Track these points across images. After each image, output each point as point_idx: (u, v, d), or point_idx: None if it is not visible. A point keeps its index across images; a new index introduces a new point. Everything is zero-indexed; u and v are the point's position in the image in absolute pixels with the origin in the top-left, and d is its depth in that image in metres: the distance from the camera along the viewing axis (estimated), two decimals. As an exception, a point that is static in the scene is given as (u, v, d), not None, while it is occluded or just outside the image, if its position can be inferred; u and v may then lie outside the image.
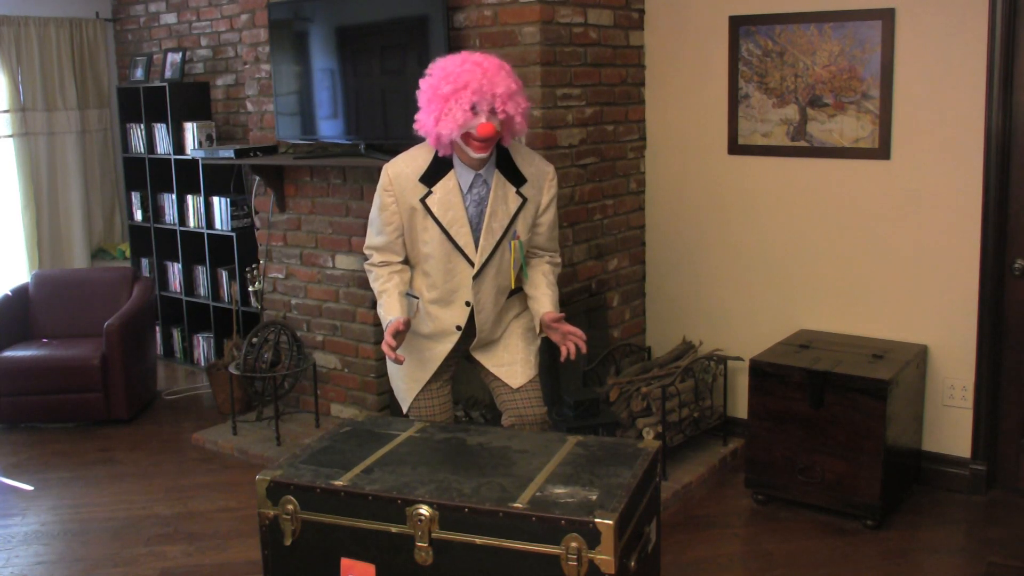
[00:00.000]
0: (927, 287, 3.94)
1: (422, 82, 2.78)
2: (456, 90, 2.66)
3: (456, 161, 2.87)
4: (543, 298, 3.01)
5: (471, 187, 2.88)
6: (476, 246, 2.90)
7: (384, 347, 2.84)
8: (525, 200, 2.91)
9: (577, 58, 4.09)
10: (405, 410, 3.16)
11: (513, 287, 3.03)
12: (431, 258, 2.93)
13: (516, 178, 2.90)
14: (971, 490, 3.92)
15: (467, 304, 2.97)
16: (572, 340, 2.90)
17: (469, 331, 3.02)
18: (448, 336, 3.02)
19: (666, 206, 4.57)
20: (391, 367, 3.14)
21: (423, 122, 2.78)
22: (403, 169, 2.87)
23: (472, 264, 2.91)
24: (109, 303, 5.39)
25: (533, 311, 3.04)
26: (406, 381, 3.12)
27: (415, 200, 2.87)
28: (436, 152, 2.85)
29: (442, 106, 2.70)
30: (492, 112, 2.70)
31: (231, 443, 4.66)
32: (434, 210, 2.86)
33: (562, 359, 2.92)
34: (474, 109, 2.68)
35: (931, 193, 3.88)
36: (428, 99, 2.74)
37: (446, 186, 2.85)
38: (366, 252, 3.03)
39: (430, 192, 2.85)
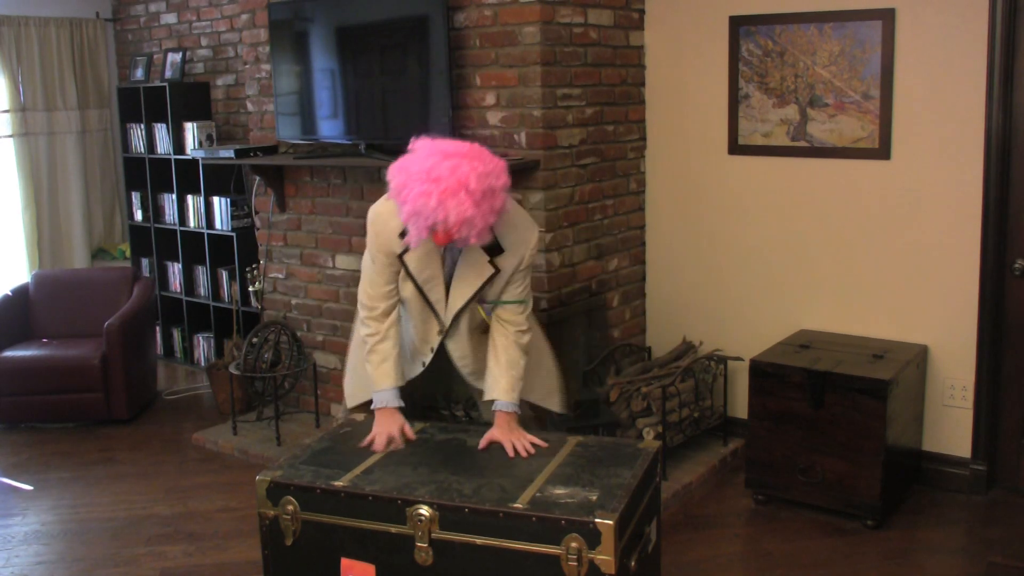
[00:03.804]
0: (927, 287, 3.94)
1: (397, 168, 2.58)
2: (412, 212, 2.50)
3: None
4: (500, 379, 2.78)
5: (448, 247, 2.74)
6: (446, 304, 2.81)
7: (379, 437, 2.72)
8: (498, 271, 2.75)
9: (577, 58, 4.08)
10: (349, 405, 3.11)
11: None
12: (408, 303, 2.84)
13: (493, 248, 2.74)
14: (971, 490, 3.92)
15: (432, 350, 2.90)
16: (521, 445, 2.68)
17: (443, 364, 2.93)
18: (417, 364, 2.96)
19: (666, 206, 4.57)
20: (354, 361, 3.07)
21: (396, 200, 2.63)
22: (388, 222, 2.73)
23: (442, 321, 2.84)
24: (109, 303, 5.39)
25: (487, 387, 2.83)
26: (362, 383, 3.00)
27: (395, 253, 2.76)
28: None
29: (406, 211, 2.54)
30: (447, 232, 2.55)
31: (231, 443, 4.66)
32: (411, 267, 2.76)
33: (510, 455, 2.66)
34: (431, 228, 2.53)
35: (931, 193, 3.88)
36: (396, 193, 2.57)
37: (426, 245, 2.70)
38: (363, 301, 2.84)
39: (407, 249, 2.72)
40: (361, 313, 2.86)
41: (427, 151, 2.57)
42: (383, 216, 2.76)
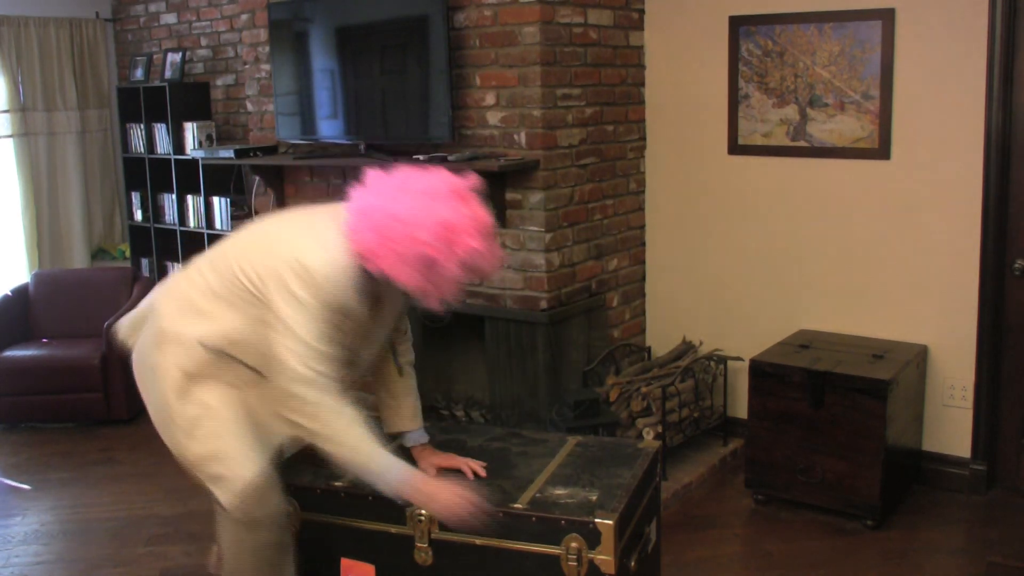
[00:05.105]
0: (927, 287, 3.94)
1: (395, 222, 2.16)
2: (462, 271, 2.17)
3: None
4: (407, 408, 2.58)
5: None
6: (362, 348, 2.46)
7: (460, 507, 2.24)
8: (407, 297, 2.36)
9: (577, 58, 4.08)
10: (234, 491, 2.32)
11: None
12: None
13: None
14: (971, 490, 3.92)
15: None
16: (476, 464, 2.52)
17: None
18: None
19: (666, 206, 4.57)
20: (211, 420, 2.36)
21: (390, 256, 2.18)
22: (342, 280, 2.23)
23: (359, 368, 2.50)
24: (109, 303, 5.38)
25: (391, 421, 2.59)
26: (242, 440, 2.35)
27: (348, 307, 2.29)
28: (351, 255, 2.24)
29: (449, 273, 2.17)
30: None
31: (231, 443, 4.65)
32: (357, 319, 2.34)
33: (470, 478, 2.48)
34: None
35: (931, 193, 3.88)
36: (422, 254, 2.15)
37: (368, 288, 2.33)
38: (304, 371, 2.20)
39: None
40: (301, 391, 2.21)
41: (420, 192, 2.18)
42: (336, 274, 2.22)
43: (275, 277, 2.24)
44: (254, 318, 2.30)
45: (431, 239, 2.12)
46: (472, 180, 2.25)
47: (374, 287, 2.31)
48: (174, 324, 2.44)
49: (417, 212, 2.14)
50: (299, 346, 2.19)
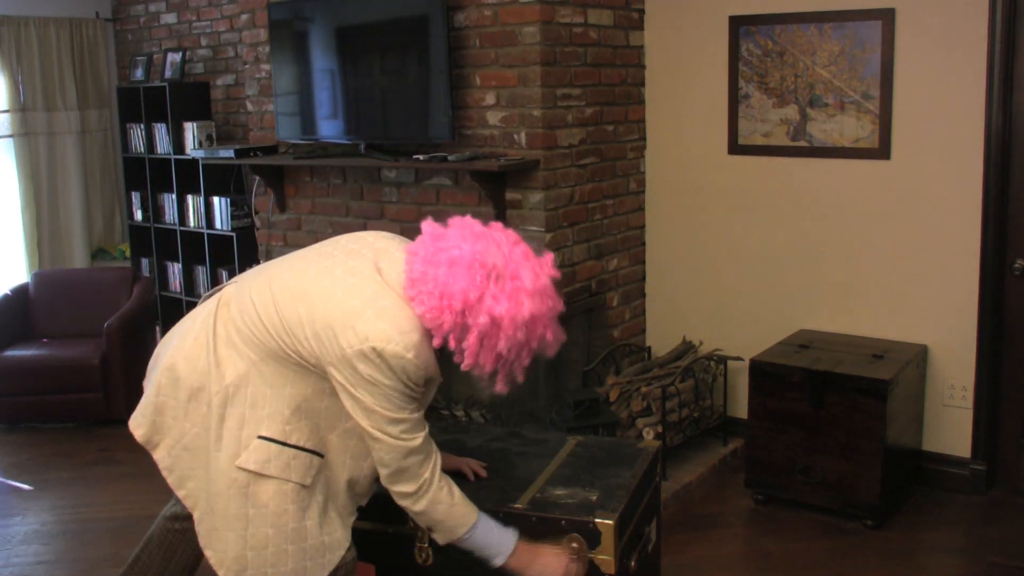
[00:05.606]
0: (927, 287, 3.94)
1: (511, 317, 1.98)
2: (540, 346, 2.09)
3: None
4: None
5: None
6: None
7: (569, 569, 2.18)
8: None
9: (577, 58, 4.08)
10: None
11: None
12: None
13: None
14: (971, 490, 3.92)
15: None
16: (477, 464, 2.50)
17: None
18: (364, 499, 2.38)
19: (666, 206, 4.57)
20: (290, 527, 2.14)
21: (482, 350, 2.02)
22: (427, 348, 2.05)
23: None
24: (109, 303, 5.39)
25: None
26: (318, 551, 2.18)
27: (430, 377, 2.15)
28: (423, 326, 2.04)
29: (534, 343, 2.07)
30: None
31: (231, 443, 4.65)
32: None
33: (471, 479, 2.46)
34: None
35: (931, 193, 3.88)
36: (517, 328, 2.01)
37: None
38: (400, 443, 2.06)
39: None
40: (415, 469, 2.09)
41: (513, 255, 2.01)
42: (422, 347, 2.03)
43: (352, 368, 2.01)
44: (316, 389, 2.12)
45: (513, 336, 1.99)
46: (549, 262, 2.08)
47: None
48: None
49: (485, 292, 1.97)
50: (390, 426, 2.03)
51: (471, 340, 1.98)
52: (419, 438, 2.07)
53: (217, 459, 2.13)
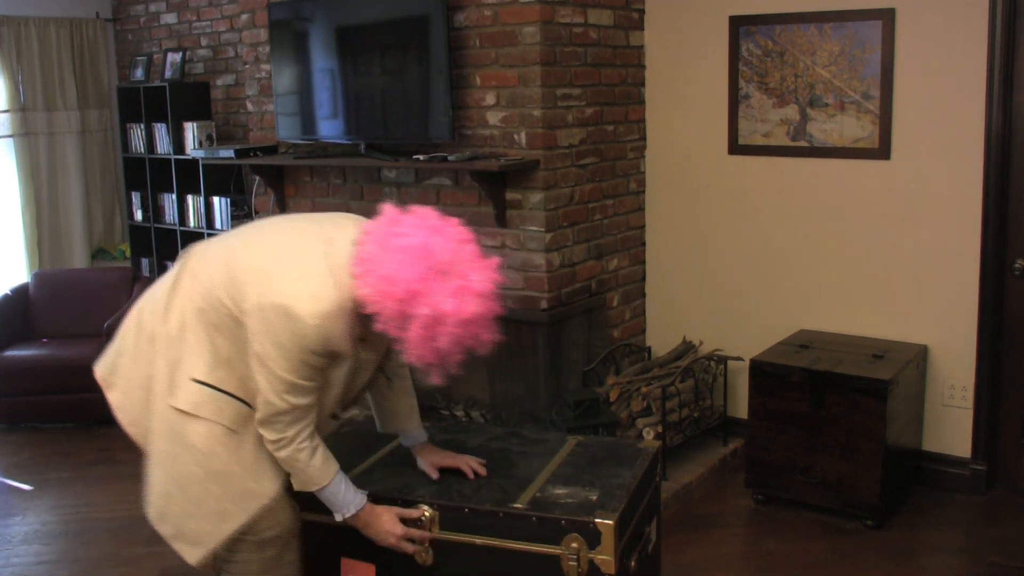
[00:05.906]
0: (927, 287, 3.94)
1: (445, 309, 2.01)
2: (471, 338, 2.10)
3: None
4: (412, 411, 2.56)
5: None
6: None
7: (400, 542, 2.30)
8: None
9: (577, 58, 4.08)
10: (211, 546, 2.23)
11: None
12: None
13: None
14: (971, 490, 3.92)
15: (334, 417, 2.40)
16: (476, 463, 2.51)
17: None
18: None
19: (666, 206, 4.57)
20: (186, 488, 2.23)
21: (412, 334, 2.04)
22: (338, 323, 2.11)
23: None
24: (109, 303, 5.39)
25: (397, 425, 2.57)
26: (243, 495, 2.23)
27: (339, 352, 2.19)
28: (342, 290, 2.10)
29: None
30: None
31: (231, 443, 4.66)
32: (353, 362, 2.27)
33: (470, 477, 2.48)
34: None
35: (931, 193, 3.88)
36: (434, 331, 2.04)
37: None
38: (278, 402, 2.13)
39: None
40: (272, 420, 2.15)
41: (441, 260, 2.03)
42: (331, 318, 2.09)
43: (259, 317, 2.10)
44: (240, 340, 2.18)
45: (454, 333, 2.03)
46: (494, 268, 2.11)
47: (365, 325, 2.15)
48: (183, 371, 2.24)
49: (432, 286, 2.00)
50: (276, 382, 2.11)
51: (413, 332, 2.04)
52: (299, 403, 2.15)
53: (156, 400, 2.25)
